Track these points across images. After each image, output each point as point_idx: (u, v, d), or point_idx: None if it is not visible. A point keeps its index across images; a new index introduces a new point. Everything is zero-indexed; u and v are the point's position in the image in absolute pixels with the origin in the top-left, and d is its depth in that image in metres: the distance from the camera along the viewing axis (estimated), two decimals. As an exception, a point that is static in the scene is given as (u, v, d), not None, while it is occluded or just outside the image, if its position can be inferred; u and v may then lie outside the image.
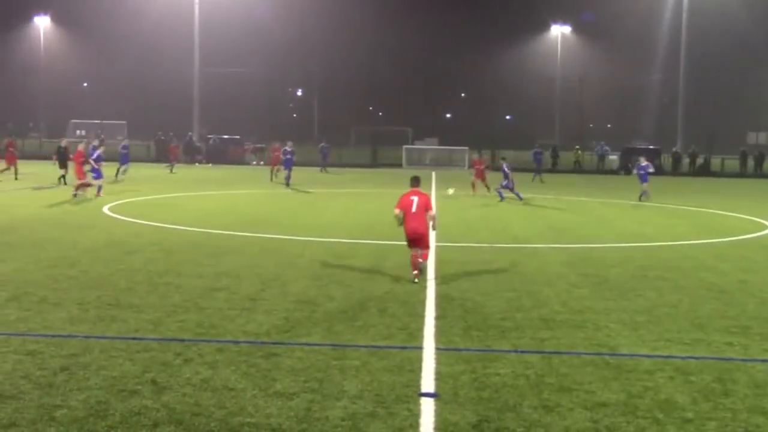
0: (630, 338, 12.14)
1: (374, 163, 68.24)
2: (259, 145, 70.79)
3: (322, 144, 62.78)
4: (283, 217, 27.49)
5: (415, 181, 16.73)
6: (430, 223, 16.36)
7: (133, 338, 11.39)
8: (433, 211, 16.58)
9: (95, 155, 33.02)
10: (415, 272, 15.92)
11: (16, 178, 41.35)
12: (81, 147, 33.50)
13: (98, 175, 33.02)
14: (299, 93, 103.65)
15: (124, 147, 45.60)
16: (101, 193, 32.46)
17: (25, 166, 46.43)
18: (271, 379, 9.73)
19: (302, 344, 11.31)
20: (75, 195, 31.51)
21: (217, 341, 11.35)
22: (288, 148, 42.85)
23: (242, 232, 22.83)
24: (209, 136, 74.72)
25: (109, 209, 28.00)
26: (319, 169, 58.99)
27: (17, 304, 13.24)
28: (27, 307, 13.05)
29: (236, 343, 11.29)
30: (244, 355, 10.68)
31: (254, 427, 8.21)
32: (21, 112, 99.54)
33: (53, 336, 11.39)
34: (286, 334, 11.90)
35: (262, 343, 11.32)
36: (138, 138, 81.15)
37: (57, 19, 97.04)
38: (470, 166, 50.55)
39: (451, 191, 21.96)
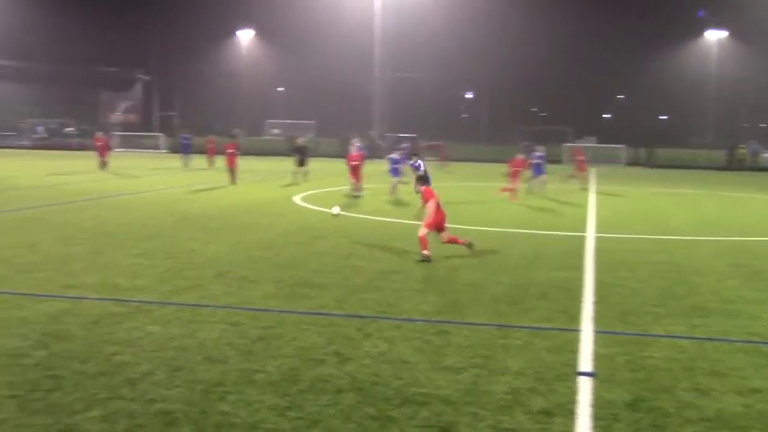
0: (782, 328, 11.54)
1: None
2: (432, 143, 71.04)
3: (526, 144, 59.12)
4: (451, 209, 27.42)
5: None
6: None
7: (320, 313, 11.68)
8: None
9: (407, 161, 29.93)
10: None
11: (233, 182, 35.60)
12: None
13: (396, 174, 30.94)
14: (469, 95, 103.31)
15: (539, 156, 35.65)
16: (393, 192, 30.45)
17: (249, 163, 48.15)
18: (442, 354, 9.78)
19: (470, 323, 11.32)
20: (355, 197, 29.89)
21: (394, 319, 11.50)
22: (538, 153, 34.88)
23: (414, 222, 22.96)
24: (387, 134, 75.61)
25: (300, 199, 28.80)
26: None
27: (222, 281, 13.84)
28: (230, 284, 13.62)
29: (411, 320, 11.41)
30: (418, 331, 10.78)
31: (426, 397, 8.28)
32: (226, 115, 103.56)
33: (252, 309, 11.84)
34: (456, 313, 11.93)
35: (435, 321, 11.39)
36: (325, 136, 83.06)
37: (257, 32, 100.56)
38: (571, 159, 45.74)
39: (335, 210, 19.95)
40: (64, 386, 8.32)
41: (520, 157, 32.94)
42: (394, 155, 31.92)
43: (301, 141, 39.10)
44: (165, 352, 9.58)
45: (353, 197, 29.57)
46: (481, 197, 31.99)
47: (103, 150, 44.51)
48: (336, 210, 20.30)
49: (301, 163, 36.51)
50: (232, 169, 35.81)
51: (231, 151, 36.34)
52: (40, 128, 79.92)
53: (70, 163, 50.68)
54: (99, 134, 48.85)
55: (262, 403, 7.98)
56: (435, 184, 20.88)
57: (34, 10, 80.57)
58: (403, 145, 35.55)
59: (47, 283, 13.26)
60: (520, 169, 31.94)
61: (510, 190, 30.80)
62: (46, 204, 25.48)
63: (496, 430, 7.50)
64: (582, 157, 37.70)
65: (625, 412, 8.01)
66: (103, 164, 43.39)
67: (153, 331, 10.44)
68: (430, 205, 16.81)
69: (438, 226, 16.88)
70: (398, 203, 28.29)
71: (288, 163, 40.43)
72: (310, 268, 15.30)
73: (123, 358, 9.27)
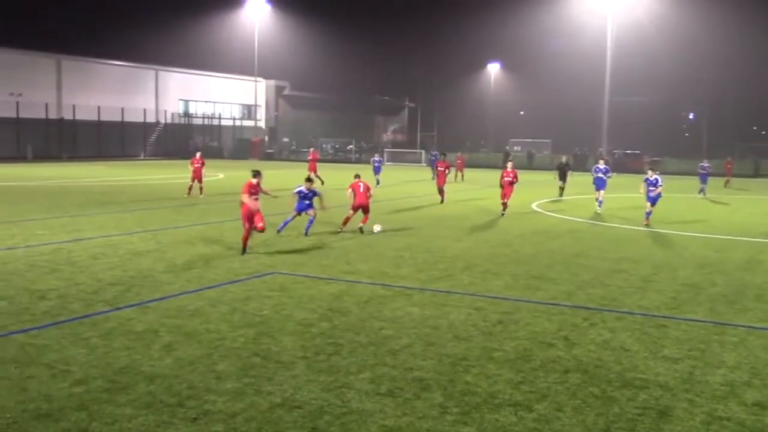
0: None
1: (756, 174, 61.68)
2: (655, 159, 67.27)
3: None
4: (672, 216, 25.79)
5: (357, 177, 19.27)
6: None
7: (551, 303, 11.48)
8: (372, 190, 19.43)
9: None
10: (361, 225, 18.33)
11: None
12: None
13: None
14: (691, 116, 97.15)
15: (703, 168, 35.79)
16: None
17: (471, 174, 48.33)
18: (660, 345, 9.28)
19: (687, 319, 10.63)
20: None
21: (617, 311, 11.06)
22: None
23: (635, 227, 21.93)
24: (614, 151, 72.68)
25: (536, 206, 28.37)
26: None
27: (469, 273, 13.97)
28: (475, 275, 13.72)
29: (632, 314, 10.91)
30: (638, 324, 10.29)
31: (645, 382, 7.89)
32: (475, 133, 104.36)
33: (493, 297, 11.85)
34: (674, 310, 11.25)
35: (654, 315, 10.82)
36: (558, 152, 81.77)
37: (503, 64, 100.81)
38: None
39: (377, 228, 17.29)
40: (342, 352, 8.79)
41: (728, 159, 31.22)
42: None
43: (564, 159, 35.38)
44: (421, 329, 9.84)
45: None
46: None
47: (312, 164, 39.01)
48: (378, 228, 19.07)
49: (562, 178, 32.80)
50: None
51: (509, 178, 25.32)
52: (327, 146, 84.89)
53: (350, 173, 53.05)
54: (311, 149, 44.90)
55: (500, 377, 7.98)
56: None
57: (326, 49, 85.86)
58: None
59: (330, 269, 14.05)
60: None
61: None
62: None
63: (712, 417, 7.00)
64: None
65: (840, 410, 7.17)
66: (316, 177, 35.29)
67: (412, 312, 10.76)
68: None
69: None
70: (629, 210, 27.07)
71: (527, 175, 39.95)
72: (543, 264, 15.06)
73: (387, 333, 9.64)
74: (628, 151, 71.93)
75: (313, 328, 9.76)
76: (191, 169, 29.47)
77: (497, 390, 7.56)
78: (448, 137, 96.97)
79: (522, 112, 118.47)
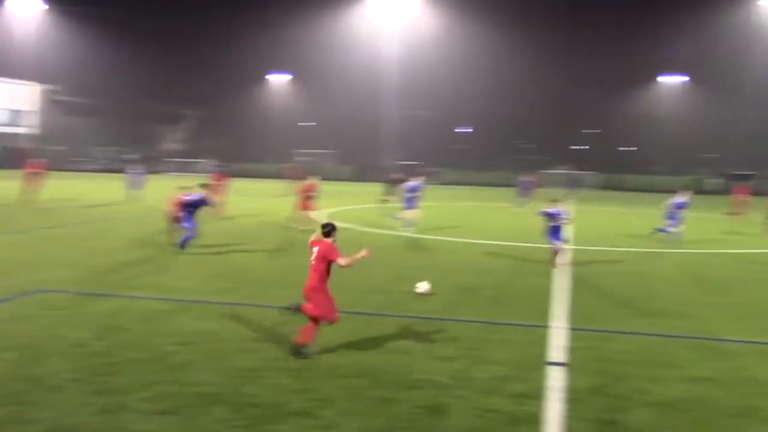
0: (723, 326, 11.51)
1: (516, 184, 67.19)
2: (434, 170, 70.95)
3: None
4: (453, 223, 27.39)
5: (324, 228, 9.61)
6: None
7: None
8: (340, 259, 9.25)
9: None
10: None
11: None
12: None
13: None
14: (462, 131, 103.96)
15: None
16: None
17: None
18: (437, 346, 9.79)
19: (462, 320, 11.32)
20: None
21: (399, 316, 11.45)
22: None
23: (426, 236, 22.94)
24: (397, 162, 76.20)
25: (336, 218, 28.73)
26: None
27: (256, 284, 13.85)
28: (262, 286, 13.63)
29: (409, 317, 11.40)
30: (419, 327, 10.74)
31: (423, 382, 8.28)
32: (258, 145, 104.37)
33: (278, 308, 11.83)
34: (451, 312, 11.93)
35: (432, 318, 11.39)
36: (346, 163, 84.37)
37: (290, 75, 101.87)
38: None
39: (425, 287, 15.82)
40: (119, 371, 8.39)
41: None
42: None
43: (395, 174, 34.87)
44: (205, 343, 9.61)
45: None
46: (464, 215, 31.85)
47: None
48: (424, 288, 13.42)
49: (390, 192, 32.49)
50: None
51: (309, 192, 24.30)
52: (102, 155, 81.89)
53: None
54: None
55: (285, 386, 8.01)
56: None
57: (104, 54, 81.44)
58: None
59: (107, 285, 13.33)
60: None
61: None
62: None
63: (482, 410, 7.51)
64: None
65: (589, 396, 8.03)
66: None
67: (196, 326, 10.50)
68: None
69: None
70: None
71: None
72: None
73: (170, 348, 9.32)
74: (410, 163, 75.30)
75: (86, 347, 9.21)
76: None
77: (282, 400, 7.61)
78: (233, 147, 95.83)
79: (311, 123, 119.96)
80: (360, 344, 9.76)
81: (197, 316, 11.03)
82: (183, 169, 75.52)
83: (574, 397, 7.92)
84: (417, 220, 24.06)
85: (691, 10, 78.09)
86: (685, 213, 23.22)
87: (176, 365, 8.62)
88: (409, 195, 24.10)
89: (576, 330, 10.87)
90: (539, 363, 9.14)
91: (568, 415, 7.43)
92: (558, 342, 10.17)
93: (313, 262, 9.24)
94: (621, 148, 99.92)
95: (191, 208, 17.32)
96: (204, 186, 17.78)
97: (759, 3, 77.64)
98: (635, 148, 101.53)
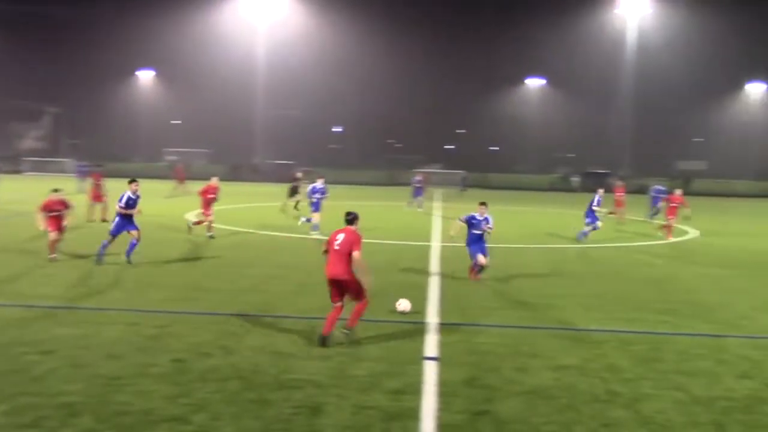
0: (583, 316, 12.12)
1: (390, 183, 68.11)
2: (308, 169, 70.83)
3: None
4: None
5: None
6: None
7: (209, 313, 11.43)
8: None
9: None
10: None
11: None
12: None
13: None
14: (337, 130, 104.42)
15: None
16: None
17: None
18: (314, 345, 9.77)
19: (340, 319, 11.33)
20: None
21: (273, 316, 11.39)
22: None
23: (295, 235, 22.80)
24: (267, 161, 75.63)
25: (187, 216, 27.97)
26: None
27: (122, 288, 13.33)
28: (129, 290, 13.15)
29: (287, 317, 11.34)
30: (294, 327, 10.71)
31: (299, 382, 8.23)
32: (124, 143, 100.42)
33: (149, 311, 11.45)
34: (326, 311, 11.90)
35: (307, 318, 11.36)
36: (218, 162, 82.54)
37: (156, 72, 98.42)
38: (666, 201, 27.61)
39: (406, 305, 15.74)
40: None
41: (678, 192, 25.98)
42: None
43: (298, 174, 32.97)
44: (68, 350, 9.16)
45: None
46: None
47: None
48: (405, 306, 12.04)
49: (293, 194, 31.01)
50: None
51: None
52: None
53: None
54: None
55: (155, 392, 7.75)
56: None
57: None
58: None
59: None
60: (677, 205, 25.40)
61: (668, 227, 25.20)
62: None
63: (358, 407, 7.55)
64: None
65: (462, 388, 8.23)
66: None
67: (58, 333, 9.96)
68: None
69: None
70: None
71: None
72: (202, 274, 14.95)
73: (31, 358, 8.80)
74: (282, 162, 74.87)
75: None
76: None
77: (153, 407, 7.35)
78: (97, 145, 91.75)
79: (179, 121, 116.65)
80: (235, 346, 9.58)
81: (60, 323, 10.48)
82: (42, 168, 71.63)
83: (448, 390, 8.10)
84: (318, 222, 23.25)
85: (556, 15, 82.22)
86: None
87: (39, 375, 8.16)
88: (316, 197, 23.62)
89: (448, 325, 11.13)
90: (415, 358, 9.28)
91: (442, 408, 7.59)
92: (432, 337, 10.38)
93: (337, 248, 9.51)
94: (490, 148, 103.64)
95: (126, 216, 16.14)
96: (57, 191, 16.59)
97: (615, 11, 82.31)
98: (497, 148, 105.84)
